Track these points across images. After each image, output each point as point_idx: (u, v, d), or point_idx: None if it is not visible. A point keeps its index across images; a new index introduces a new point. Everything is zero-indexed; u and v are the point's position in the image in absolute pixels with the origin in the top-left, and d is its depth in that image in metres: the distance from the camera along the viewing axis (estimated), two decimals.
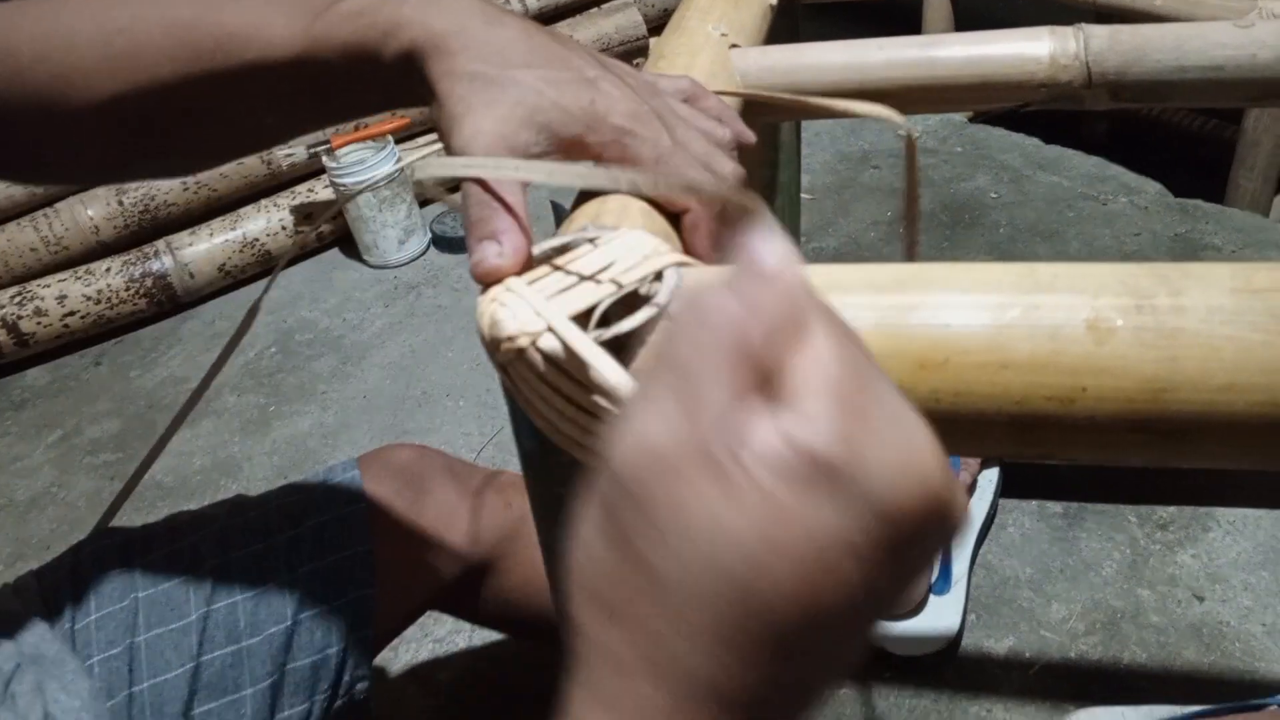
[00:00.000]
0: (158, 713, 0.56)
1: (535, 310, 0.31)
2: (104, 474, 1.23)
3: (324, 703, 0.63)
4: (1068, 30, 0.48)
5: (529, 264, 0.35)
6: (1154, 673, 0.80)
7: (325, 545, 0.65)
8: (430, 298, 1.47)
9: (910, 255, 0.47)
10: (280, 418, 1.28)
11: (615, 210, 0.37)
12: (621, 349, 0.31)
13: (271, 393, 1.33)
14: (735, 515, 0.20)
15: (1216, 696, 0.74)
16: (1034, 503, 0.97)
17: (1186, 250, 1.28)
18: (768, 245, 0.23)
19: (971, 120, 1.70)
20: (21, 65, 0.42)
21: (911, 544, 0.21)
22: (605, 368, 0.30)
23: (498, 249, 0.34)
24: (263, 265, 1.57)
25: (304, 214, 1.58)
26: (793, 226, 0.85)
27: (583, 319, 0.31)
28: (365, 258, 1.57)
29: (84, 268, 1.47)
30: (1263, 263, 0.29)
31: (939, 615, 0.85)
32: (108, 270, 1.47)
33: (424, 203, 1.65)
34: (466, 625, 0.93)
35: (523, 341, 0.31)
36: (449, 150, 0.36)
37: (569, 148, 0.37)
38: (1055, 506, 0.96)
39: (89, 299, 1.45)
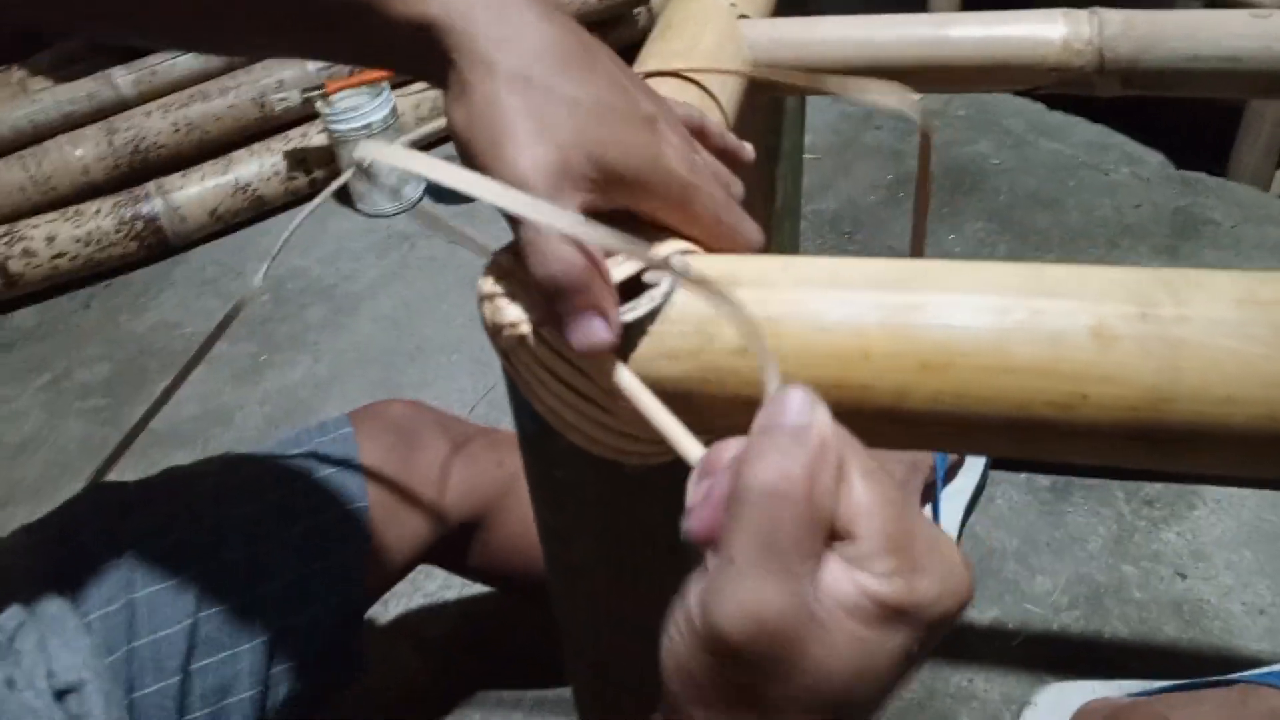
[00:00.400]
0: (158, 668, 0.57)
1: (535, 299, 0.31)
2: (95, 419, 1.23)
3: (316, 657, 0.64)
4: (1082, 14, 0.47)
5: None
6: (1134, 647, 0.82)
7: (319, 504, 0.66)
8: (424, 249, 1.46)
9: (917, 249, 0.47)
10: (272, 367, 1.27)
11: None
12: (624, 337, 0.31)
13: (263, 341, 1.32)
14: (835, 660, 0.24)
15: (1194, 672, 0.75)
16: (1023, 475, 0.98)
17: (1186, 224, 1.28)
18: (794, 399, 0.26)
19: None
20: None
21: (945, 628, 0.26)
22: (607, 357, 0.30)
23: (604, 326, 0.29)
24: (255, 210, 1.55)
25: (297, 159, 1.56)
26: (794, 194, 0.84)
27: None
28: (358, 206, 1.56)
29: (73, 209, 1.45)
30: (1268, 272, 0.29)
31: None
32: (97, 212, 1.45)
33: (423, 149, 1.62)
34: (457, 580, 0.94)
35: (525, 329, 0.31)
36: (483, 166, 0.31)
37: (615, 191, 0.31)
38: (1044, 480, 0.97)
39: (78, 240, 1.43)
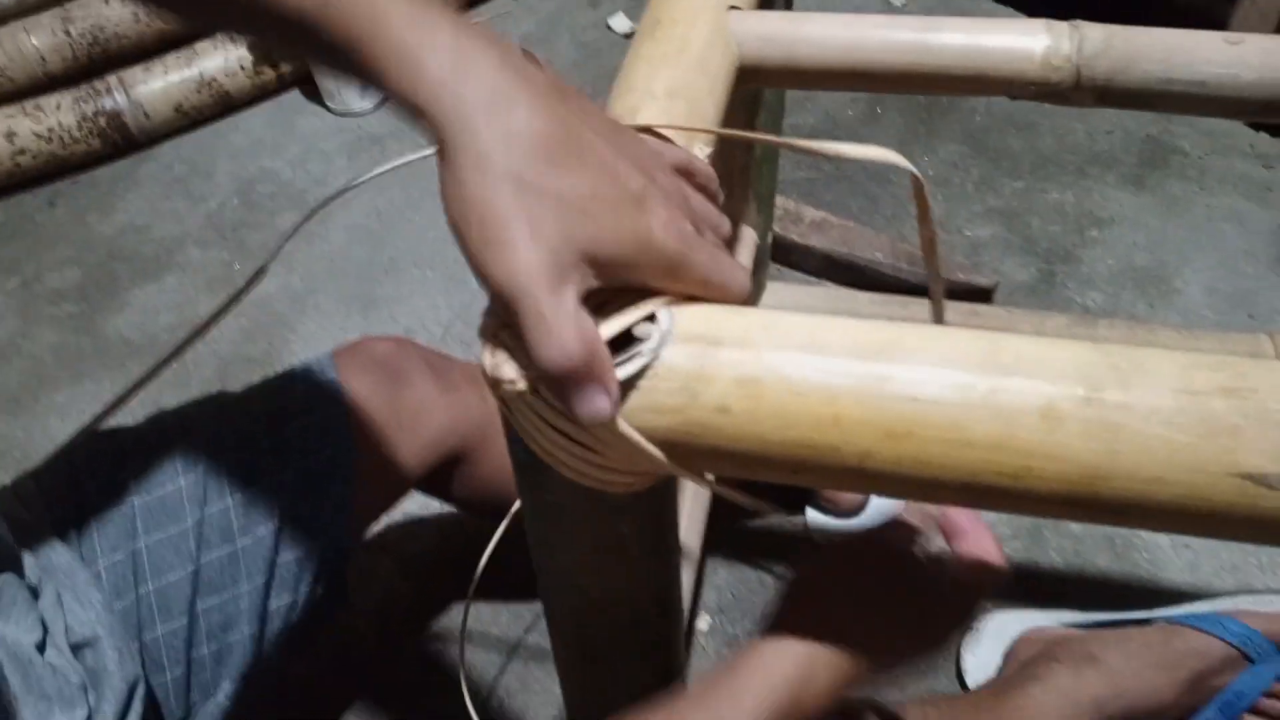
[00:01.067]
0: (165, 612, 0.60)
1: None
2: (68, 326, 1.23)
3: (307, 593, 0.68)
4: (1064, 27, 0.48)
5: None
6: (1068, 578, 0.88)
7: (308, 447, 0.68)
8: (396, 152, 1.44)
9: (937, 312, 0.49)
10: (246, 276, 1.27)
11: None
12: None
13: (236, 249, 1.31)
14: None
15: (1123, 601, 0.82)
16: None
17: (1155, 154, 1.30)
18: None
19: None
20: None
21: None
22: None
23: (605, 399, 0.31)
24: (221, 106, 1.51)
25: (263, 52, 1.51)
26: (768, 204, 0.84)
27: None
28: (328, 104, 1.52)
29: (33, 102, 1.41)
30: (1208, 357, 0.32)
31: (881, 516, 0.92)
32: (58, 106, 1.41)
33: None
34: (434, 502, 0.97)
35: (522, 385, 0.33)
36: (474, 259, 0.33)
37: (609, 274, 0.33)
38: None
39: (40, 137, 1.39)
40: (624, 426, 0.33)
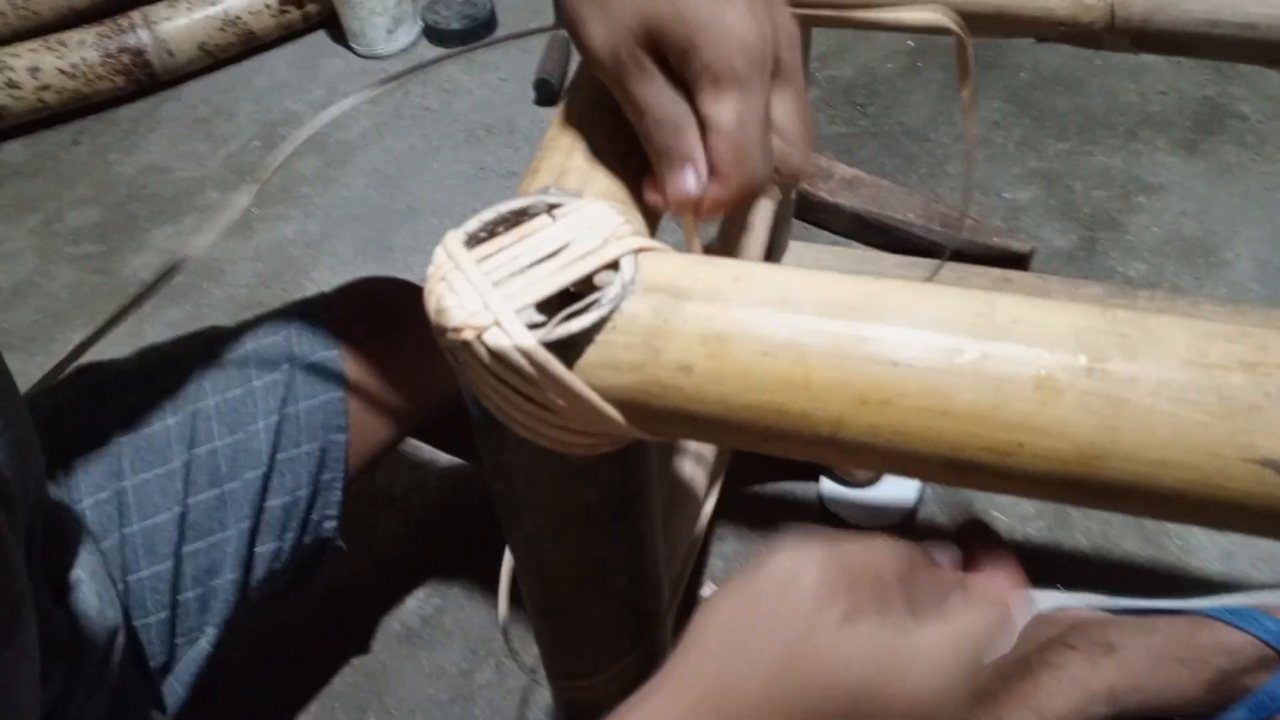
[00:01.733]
0: (150, 552, 0.59)
1: (484, 301, 0.31)
2: (86, 266, 1.23)
3: (293, 540, 0.67)
4: None
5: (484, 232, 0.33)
6: (1092, 560, 0.85)
7: (299, 391, 0.66)
8: (418, 97, 1.41)
9: (970, 165, 0.45)
10: (263, 220, 1.26)
11: (580, 171, 0.35)
12: (570, 345, 0.30)
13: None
14: None
15: (1148, 589, 0.78)
16: None
17: (1212, 116, 1.23)
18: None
19: None
20: None
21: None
22: (552, 368, 0.30)
23: (696, 178, 0.33)
24: (245, 45, 1.49)
25: None
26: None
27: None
28: (352, 45, 1.49)
29: (56, 38, 1.39)
30: (1226, 326, 0.28)
31: (898, 487, 0.89)
32: (82, 42, 1.39)
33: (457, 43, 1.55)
34: (443, 456, 0.96)
35: (468, 335, 0.30)
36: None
37: (660, 57, 0.33)
38: None
39: (64, 73, 1.38)
40: (578, 384, 0.30)
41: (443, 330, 0.31)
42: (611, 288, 0.31)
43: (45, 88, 1.38)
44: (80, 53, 1.39)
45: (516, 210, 0.34)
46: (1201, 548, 0.84)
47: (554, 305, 0.31)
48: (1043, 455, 0.28)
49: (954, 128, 1.25)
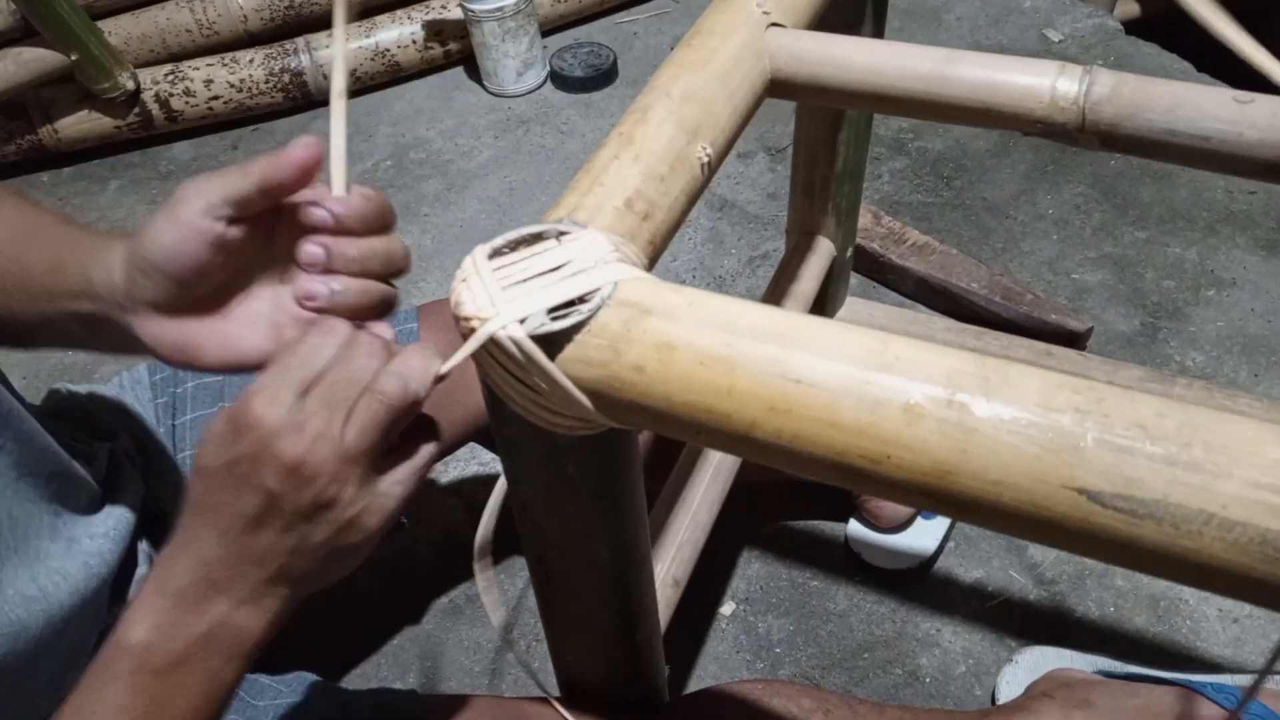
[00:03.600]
0: None
1: (491, 298, 0.39)
2: None
3: None
4: (1076, 71, 0.49)
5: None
6: (1100, 630, 0.87)
7: None
8: (537, 135, 1.54)
9: None
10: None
11: (590, 209, 0.44)
12: (554, 340, 0.39)
13: None
14: None
15: (1152, 662, 0.81)
16: None
17: None
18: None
19: (1128, 31, 1.61)
20: None
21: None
22: (537, 357, 0.39)
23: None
24: (390, 74, 1.65)
25: (434, 30, 1.64)
26: (857, 159, 0.87)
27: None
28: (484, 83, 1.63)
29: (230, 55, 1.58)
30: (1074, 381, 0.34)
31: (920, 536, 0.93)
32: (251, 61, 1.57)
33: (546, 32, 1.68)
34: None
35: (475, 324, 0.39)
36: None
37: None
38: None
39: (232, 86, 1.56)
40: (556, 372, 0.39)
41: (458, 319, 0.40)
42: (593, 300, 0.39)
43: (215, 98, 1.56)
44: (249, 70, 1.57)
45: (534, 233, 0.42)
46: (1212, 632, 0.86)
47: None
48: (905, 467, 0.35)
49: (1034, 207, 1.29)
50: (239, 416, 0.41)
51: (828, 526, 0.97)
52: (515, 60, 1.58)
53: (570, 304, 0.39)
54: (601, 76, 1.60)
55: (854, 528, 0.94)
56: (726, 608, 0.92)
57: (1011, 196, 1.31)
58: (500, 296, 0.39)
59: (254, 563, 0.42)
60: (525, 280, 0.40)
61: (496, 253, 0.42)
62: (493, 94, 1.63)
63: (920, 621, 0.89)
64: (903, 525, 0.93)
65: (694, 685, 0.87)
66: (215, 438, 0.41)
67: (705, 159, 0.49)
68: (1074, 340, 1.07)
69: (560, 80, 1.62)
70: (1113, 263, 1.20)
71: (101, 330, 0.47)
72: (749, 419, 0.37)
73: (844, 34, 0.56)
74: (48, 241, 0.48)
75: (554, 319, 0.39)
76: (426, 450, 0.46)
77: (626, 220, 0.44)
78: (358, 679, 0.91)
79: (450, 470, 1.08)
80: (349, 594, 0.96)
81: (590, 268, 0.40)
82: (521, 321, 0.39)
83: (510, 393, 0.41)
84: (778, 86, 0.55)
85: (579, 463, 0.44)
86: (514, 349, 0.39)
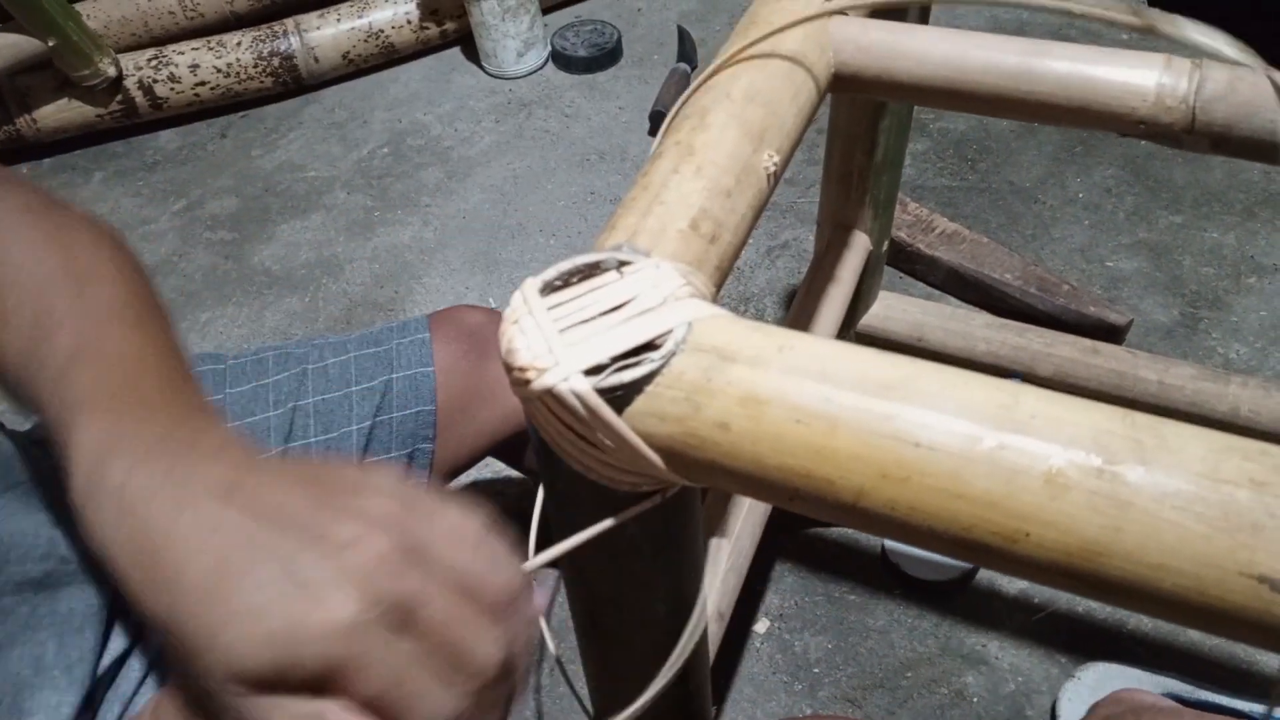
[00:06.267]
0: None
1: (548, 345, 0.34)
2: (220, 252, 1.32)
3: None
4: (1185, 65, 0.44)
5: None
6: (1153, 644, 0.83)
7: (394, 401, 0.71)
8: (540, 119, 1.47)
9: None
10: (384, 224, 1.33)
11: (652, 232, 0.39)
12: (621, 392, 0.34)
13: (379, 196, 1.38)
14: None
15: (1206, 678, 0.77)
16: None
17: None
18: None
19: (1152, 3, 1.55)
20: None
21: None
22: (603, 413, 0.33)
23: None
24: (386, 57, 1.58)
25: (430, 9, 1.57)
26: (897, 148, 0.82)
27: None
28: (483, 64, 1.57)
29: (216, 39, 1.51)
30: (1243, 443, 0.29)
31: None
32: (238, 44, 1.50)
33: (547, 10, 1.62)
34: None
35: (531, 375, 0.34)
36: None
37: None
38: None
39: (219, 71, 1.49)
40: (625, 429, 0.33)
41: (510, 368, 0.34)
42: (665, 344, 0.34)
43: (202, 84, 1.49)
44: (236, 54, 1.49)
45: (590, 264, 0.37)
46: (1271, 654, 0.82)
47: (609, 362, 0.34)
48: (1047, 546, 0.30)
49: (1064, 191, 1.24)
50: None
51: (863, 536, 0.92)
52: (516, 40, 1.51)
53: (639, 349, 0.34)
54: (605, 56, 1.54)
55: (891, 542, 0.90)
56: (761, 625, 0.87)
57: (1039, 179, 1.26)
58: (558, 341, 0.34)
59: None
60: (585, 322, 0.35)
61: (549, 287, 0.36)
62: (492, 75, 1.56)
63: (964, 637, 0.85)
64: None
65: (730, 708, 0.82)
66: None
67: (772, 168, 0.43)
68: (1114, 334, 1.02)
69: (562, 60, 1.56)
70: (1148, 249, 1.15)
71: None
72: (856, 487, 0.32)
73: (891, 20, 0.51)
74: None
75: (621, 368, 0.33)
76: None
77: (693, 245, 0.39)
78: None
79: (461, 479, 1.03)
80: None
81: (658, 305, 0.35)
82: (586, 372, 0.33)
83: (567, 448, 0.36)
84: (843, 81, 0.50)
85: (640, 519, 0.39)
86: (576, 403, 0.33)
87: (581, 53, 1.54)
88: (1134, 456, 0.29)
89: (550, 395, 0.34)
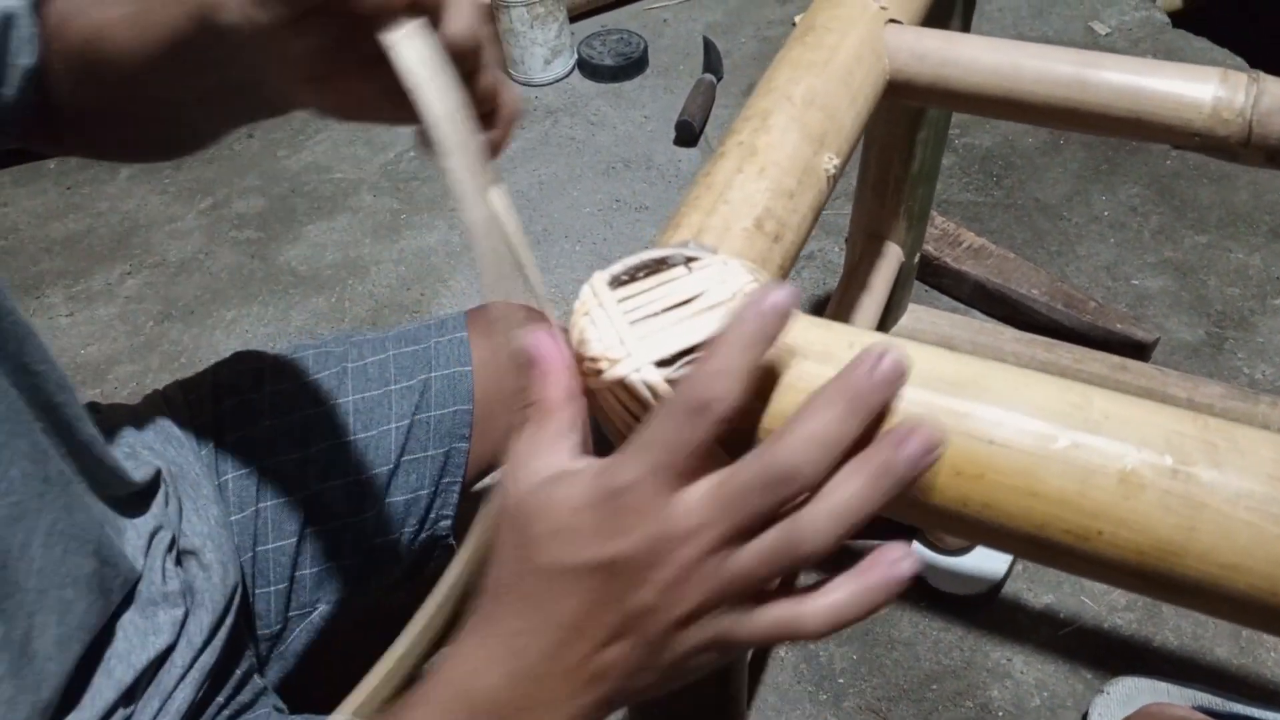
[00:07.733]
0: (278, 530, 0.65)
1: (620, 337, 0.34)
2: (246, 251, 1.33)
3: (411, 534, 0.72)
4: (1241, 78, 0.45)
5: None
6: (1179, 660, 0.83)
7: (432, 400, 0.72)
8: (566, 127, 1.48)
9: None
10: (410, 227, 1.34)
11: (717, 230, 0.39)
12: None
13: (405, 199, 1.38)
14: None
15: (1234, 693, 0.76)
16: None
17: None
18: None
19: (1175, 24, 1.56)
20: (60, 19, 0.43)
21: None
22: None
23: None
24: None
25: None
26: (933, 160, 0.82)
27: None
28: (510, 71, 1.58)
29: None
30: None
31: (988, 559, 0.89)
32: None
33: (574, 18, 1.63)
34: None
35: (604, 365, 0.34)
36: None
37: None
38: None
39: None
40: None
41: (582, 359, 0.35)
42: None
43: None
44: None
45: (657, 259, 0.37)
46: None
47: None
48: (1120, 545, 0.30)
49: (1089, 208, 1.24)
50: (623, 501, 0.31)
51: None
52: (543, 48, 1.52)
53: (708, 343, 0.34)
54: (631, 65, 1.55)
55: (918, 550, 0.90)
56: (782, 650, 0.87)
57: (1065, 197, 1.26)
58: (629, 333, 0.34)
59: (589, 681, 0.33)
60: (655, 315, 0.35)
61: (617, 281, 0.37)
62: (519, 82, 1.57)
63: (990, 650, 0.85)
64: (968, 547, 0.89)
65: (755, 717, 0.82)
66: (577, 524, 0.32)
67: (832, 170, 0.44)
68: (1140, 351, 1.02)
69: (589, 69, 1.57)
70: (1173, 268, 1.15)
71: (226, 60, 0.38)
72: (927, 483, 0.32)
73: (936, 28, 0.51)
74: None
75: (691, 360, 0.34)
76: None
77: (757, 243, 0.39)
78: None
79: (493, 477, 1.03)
80: (387, 614, 0.91)
81: (727, 300, 0.35)
82: (657, 364, 0.34)
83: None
84: (897, 88, 0.50)
85: None
86: (647, 394, 0.34)
87: (608, 61, 1.55)
88: (1207, 458, 0.30)
89: (621, 386, 0.34)
